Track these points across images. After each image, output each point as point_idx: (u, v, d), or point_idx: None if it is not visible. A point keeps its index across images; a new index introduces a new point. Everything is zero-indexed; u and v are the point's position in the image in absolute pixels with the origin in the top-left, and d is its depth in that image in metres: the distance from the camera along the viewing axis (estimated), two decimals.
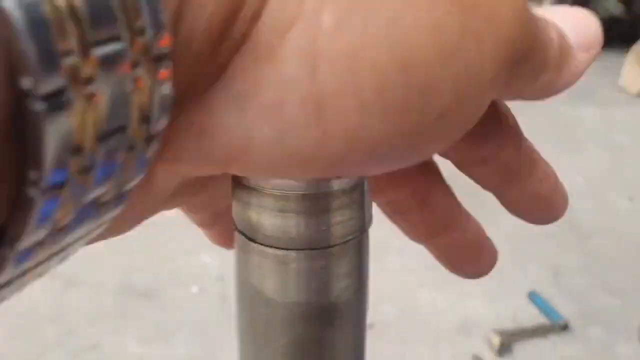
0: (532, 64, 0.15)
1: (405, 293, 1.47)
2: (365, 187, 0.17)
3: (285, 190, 0.16)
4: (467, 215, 0.22)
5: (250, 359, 0.19)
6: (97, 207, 0.11)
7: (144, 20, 0.10)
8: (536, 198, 0.20)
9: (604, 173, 1.97)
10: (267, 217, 0.16)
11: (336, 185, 0.16)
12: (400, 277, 1.51)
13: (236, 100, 0.12)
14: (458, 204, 0.21)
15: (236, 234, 0.17)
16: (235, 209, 0.17)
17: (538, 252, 1.61)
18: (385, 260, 1.56)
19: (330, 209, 0.16)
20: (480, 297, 1.46)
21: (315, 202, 0.16)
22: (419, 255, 1.40)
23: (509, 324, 1.38)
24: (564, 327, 1.37)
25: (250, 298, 0.17)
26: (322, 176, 0.14)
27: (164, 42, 0.10)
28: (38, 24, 0.08)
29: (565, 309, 1.42)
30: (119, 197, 0.11)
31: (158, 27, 0.10)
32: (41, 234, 0.10)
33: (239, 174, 0.14)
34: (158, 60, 0.10)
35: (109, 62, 0.09)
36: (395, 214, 0.21)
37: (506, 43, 0.13)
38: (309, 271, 0.17)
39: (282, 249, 0.16)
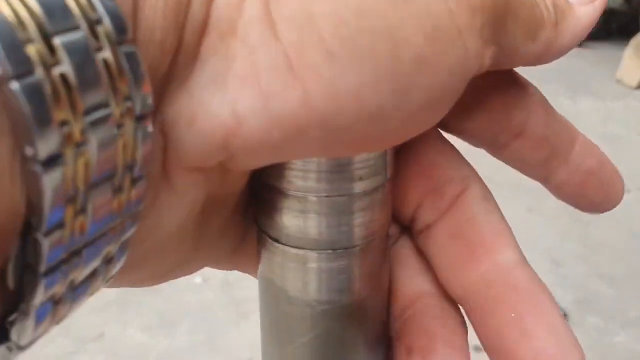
0: (522, 20, 0.15)
1: None
2: (387, 189, 0.17)
3: (308, 192, 0.16)
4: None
5: (274, 356, 0.19)
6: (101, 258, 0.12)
7: (127, 80, 0.11)
8: (585, 175, 0.19)
9: None
10: (289, 218, 0.16)
11: (358, 187, 0.16)
12: None
13: (213, 79, 0.12)
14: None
15: (259, 233, 0.18)
16: (259, 209, 0.17)
17: (537, 242, 1.62)
18: None
19: (352, 211, 0.16)
20: None
21: (337, 203, 0.16)
22: None
23: None
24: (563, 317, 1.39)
25: (273, 296, 0.18)
26: (325, 145, 0.13)
27: (146, 90, 0.11)
28: (38, 101, 0.09)
29: (564, 299, 1.44)
30: (122, 247, 0.12)
31: (138, 76, 0.11)
32: (55, 286, 0.11)
33: (246, 156, 0.13)
34: (140, 118, 0.11)
35: (97, 123, 0.10)
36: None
37: None
38: (331, 271, 0.17)
39: (305, 249, 0.17)
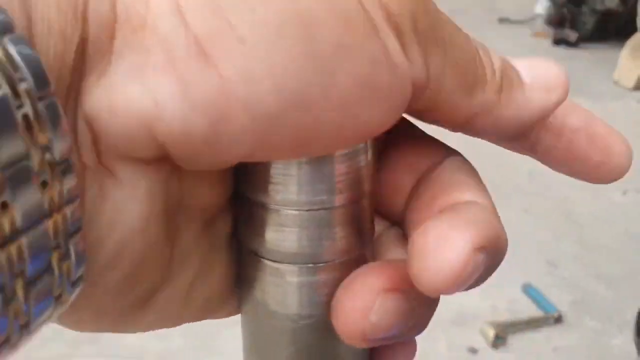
0: (456, 62, 0.15)
1: None
2: (367, 203, 0.17)
3: (287, 206, 0.16)
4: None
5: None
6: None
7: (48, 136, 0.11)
8: (570, 133, 0.18)
9: None
10: (269, 232, 0.16)
11: (338, 200, 0.16)
12: None
13: (131, 70, 0.13)
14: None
15: (240, 246, 0.18)
16: (239, 222, 0.17)
17: (533, 244, 1.62)
18: None
19: (333, 224, 0.16)
20: (475, 289, 1.47)
21: (317, 218, 0.16)
22: None
23: (503, 316, 1.39)
24: (558, 319, 1.39)
25: (254, 310, 0.18)
26: (261, 137, 0.13)
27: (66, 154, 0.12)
28: None
29: (560, 301, 1.43)
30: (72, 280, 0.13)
31: (62, 138, 0.12)
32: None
33: (179, 148, 0.13)
34: (63, 172, 0.12)
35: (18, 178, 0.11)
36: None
37: None
38: (311, 285, 0.17)
39: (285, 263, 0.17)
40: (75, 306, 0.14)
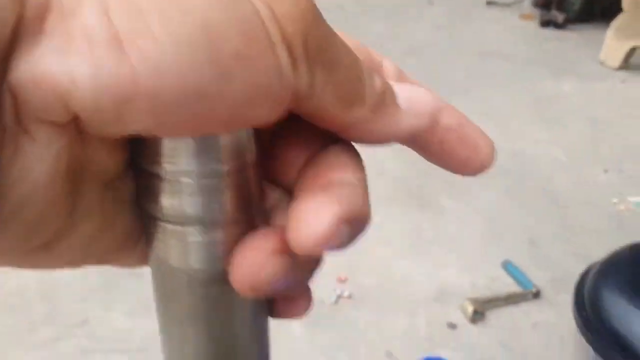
0: (339, 77, 0.18)
1: (382, 265, 1.52)
2: (252, 172, 0.19)
3: (181, 176, 0.18)
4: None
5: (164, 322, 0.21)
6: None
7: None
8: (444, 132, 0.20)
9: (582, 146, 2.01)
10: (166, 199, 0.18)
11: (225, 166, 0.18)
12: (377, 250, 1.56)
13: (57, 51, 0.15)
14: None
15: (141, 213, 0.20)
16: (139, 191, 0.20)
17: (514, 223, 1.65)
18: (365, 235, 1.60)
19: (221, 188, 0.18)
20: (456, 267, 1.51)
21: (208, 181, 0.18)
22: (396, 229, 1.45)
23: (483, 293, 1.42)
24: (536, 295, 1.42)
25: (158, 266, 0.20)
26: (157, 118, 0.16)
27: None
28: None
29: (539, 278, 1.47)
30: None
31: None
32: None
33: (90, 119, 0.16)
34: None
35: None
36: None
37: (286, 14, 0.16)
38: (206, 244, 0.19)
39: (182, 225, 0.19)
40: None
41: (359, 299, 1.42)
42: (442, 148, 0.21)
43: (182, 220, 0.19)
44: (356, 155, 0.21)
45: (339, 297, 1.41)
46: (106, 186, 0.19)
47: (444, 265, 1.52)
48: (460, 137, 0.21)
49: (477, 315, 1.35)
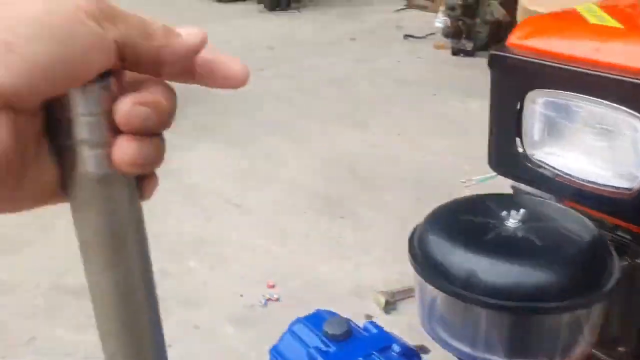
0: (132, 24, 0.27)
1: (307, 270, 1.68)
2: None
3: (76, 116, 0.28)
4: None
5: (73, 214, 0.30)
6: None
7: None
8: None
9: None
10: (72, 131, 0.28)
11: (98, 107, 0.28)
12: (302, 257, 1.72)
13: None
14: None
15: (60, 146, 0.29)
16: (57, 134, 0.29)
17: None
18: (291, 245, 1.77)
19: (99, 123, 0.28)
20: (371, 266, 1.69)
21: (89, 119, 0.28)
22: (319, 237, 1.63)
23: (394, 286, 1.60)
24: None
25: (71, 181, 0.29)
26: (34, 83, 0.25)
27: None
28: None
29: None
30: None
31: None
32: None
33: (13, 101, 0.25)
34: None
35: None
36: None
37: None
38: (94, 156, 0.29)
39: (79, 146, 0.29)
40: None
41: (287, 300, 1.58)
42: (208, 74, 0.30)
43: (80, 144, 0.30)
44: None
45: (268, 300, 1.57)
46: (36, 141, 0.29)
47: (361, 266, 1.69)
48: (216, 63, 0.31)
49: (390, 306, 1.53)
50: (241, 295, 1.58)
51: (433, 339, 0.76)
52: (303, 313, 1.53)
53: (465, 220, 0.72)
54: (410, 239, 0.78)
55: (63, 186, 0.30)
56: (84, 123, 0.29)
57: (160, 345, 0.34)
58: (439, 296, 0.73)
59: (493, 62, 0.87)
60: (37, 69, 0.26)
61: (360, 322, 1.51)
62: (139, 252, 0.32)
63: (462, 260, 0.67)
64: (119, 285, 0.31)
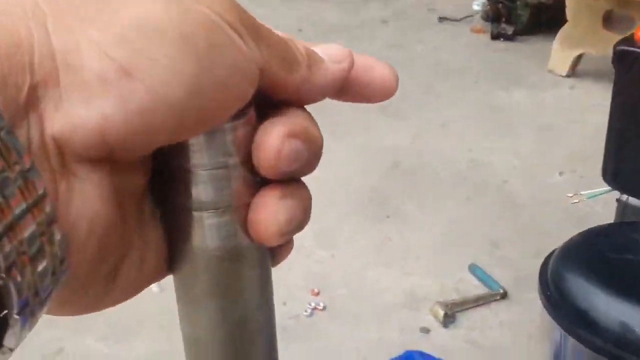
0: (275, 48, 0.21)
1: (353, 276, 1.56)
2: (251, 163, 0.22)
3: (199, 168, 0.21)
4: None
5: (183, 302, 0.24)
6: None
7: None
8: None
9: (535, 151, 2.09)
10: (192, 189, 0.22)
11: (232, 159, 0.21)
12: (348, 262, 1.60)
13: (80, 98, 0.18)
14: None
15: (168, 208, 0.22)
16: (170, 189, 0.22)
17: (477, 228, 1.71)
18: (336, 247, 1.64)
19: (230, 177, 0.22)
20: (423, 272, 1.56)
21: (219, 172, 0.21)
22: (364, 240, 1.49)
23: (451, 296, 1.47)
24: (504, 295, 1.47)
25: (180, 254, 0.23)
26: (172, 122, 0.19)
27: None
28: None
29: (504, 278, 1.52)
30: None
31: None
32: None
33: (116, 144, 0.19)
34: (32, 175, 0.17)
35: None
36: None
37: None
38: (220, 224, 0.22)
39: (199, 210, 0.22)
40: (58, 290, 0.19)
41: (333, 310, 1.45)
42: (360, 84, 0.24)
43: (200, 206, 0.22)
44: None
45: (314, 309, 1.45)
46: (139, 201, 0.22)
47: (411, 272, 1.56)
48: (371, 71, 0.24)
49: (448, 318, 1.40)
50: (284, 304, 1.46)
51: None
52: (352, 325, 1.41)
53: (613, 259, 0.58)
54: (542, 273, 0.64)
55: (172, 263, 0.23)
56: (210, 178, 0.21)
57: None
58: (576, 347, 0.59)
59: (620, 59, 0.72)
60: (165, 105, 0.18)
61: (416, 336, 1.40)
62: (268, 350, 0.25)
63: (616, 311, 0.54)
64: None
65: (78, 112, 0.18)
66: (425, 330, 1.40)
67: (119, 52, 0.18)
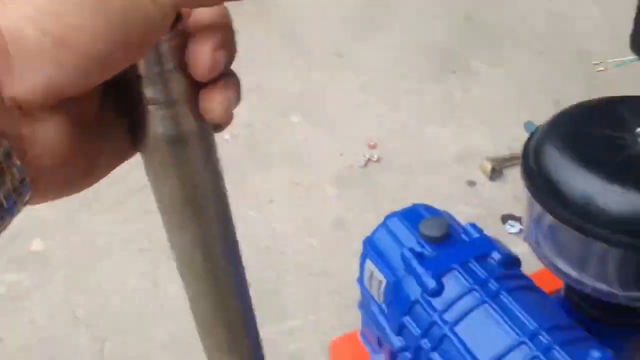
0: None
1: (410, 130, 1.61)
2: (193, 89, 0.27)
3: (142, 72, 0.26)
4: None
5: (149, 179, 0.29)
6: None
7: None
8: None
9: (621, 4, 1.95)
10: (144, 91, 0.27)
11: (167, 65, 0.26)
12: (406, 116, 1.65)
13: (30, 65, 0.22)
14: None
15: (131, 105, 0.27)
16: (126, 97, 0.27)
17: (542, 84, 1.69)
18: (397, 102, 1.69)
19: (171, 79, 0.26)
20: (480, 129, 1.59)
21: (159, 76, 0.26)
22: (426, 94, 1.53)
23: (503, 153, 1.51)
24: None
25: (142, 142, 0.28)
26: (98, 65, 0.23)
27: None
28: None
29: None
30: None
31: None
32: None
33: (67, 92, 0.23)
34: None
35: None
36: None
37: None
38: (164, 115, 0.27)
39: (149, 104, 0.27)
40: (40, 183, 0.24)
41: (387, 162, 1.54)
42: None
43: (150, 102, 0.28)
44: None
45: (368, 160, 1.54)
46: (97, 115, 0.27)
47: (469, 128, 1.60)
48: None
49: (495, 173, 1.46)
50: (341, 154, 1.56)
51: (538, 257, 0.70)
52: (403, 175, 1.50)
53: (593, 134, 0.61)
54: (526, 146, 0.69)
55: (136, 147, 0.29)
56: (155, 80, 0.27)
57: (244, 299, 0.35)
58: (549, 218, 0.65)
59: None
60: (94, 61, 0.23)
61: (462, 188, 1.47)
62: (218, 211, 0.31)
63: (582, 184, 0.58)
64: (199, 245, 0.31)
65: (27, 76, 0.22)
66: (471, 183, 1.46)
67: (50, 25, 0.22)
